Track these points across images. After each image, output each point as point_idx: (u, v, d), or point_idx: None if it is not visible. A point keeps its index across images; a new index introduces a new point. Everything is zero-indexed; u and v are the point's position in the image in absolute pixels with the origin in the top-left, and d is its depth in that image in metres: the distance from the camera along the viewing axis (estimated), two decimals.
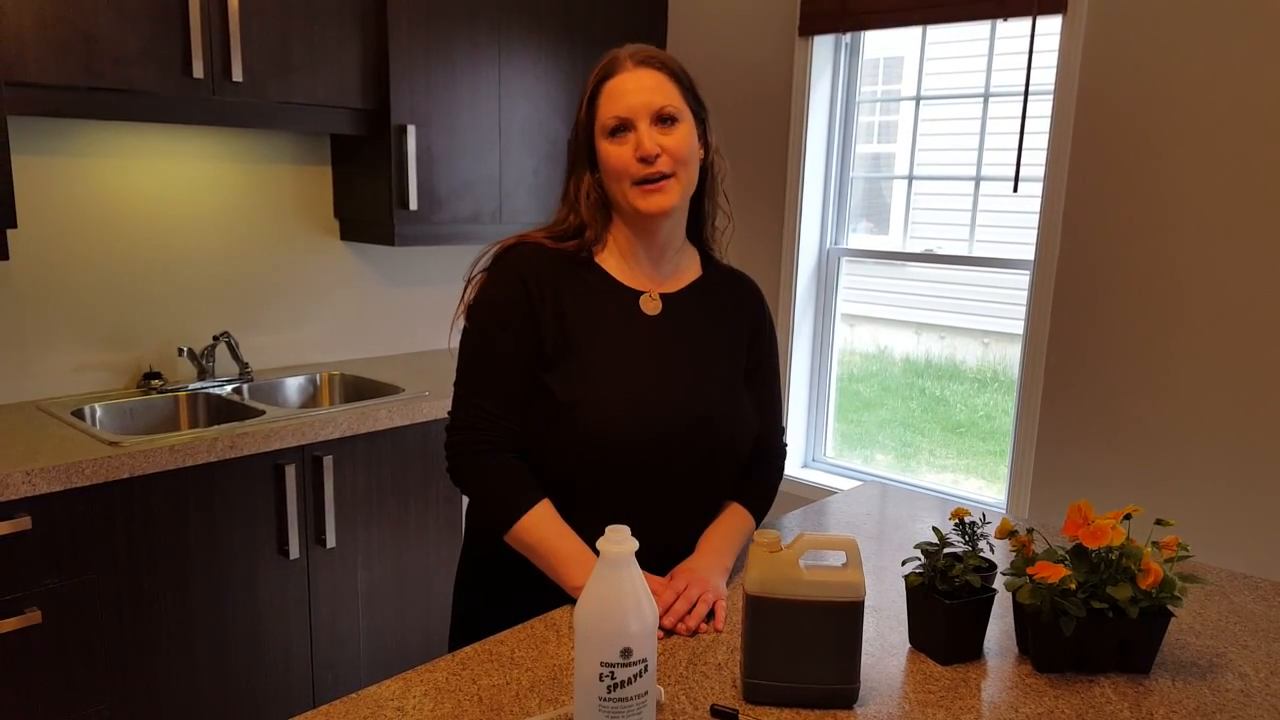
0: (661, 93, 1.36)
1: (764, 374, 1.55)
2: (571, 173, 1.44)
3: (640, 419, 1.36)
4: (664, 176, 1.35)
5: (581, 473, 1.37)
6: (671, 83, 1.38)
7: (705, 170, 1.45)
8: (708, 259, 1.53)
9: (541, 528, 1.36)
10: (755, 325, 1.54)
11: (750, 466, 1.53)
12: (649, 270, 1.45)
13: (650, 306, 1.44)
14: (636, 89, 1.35)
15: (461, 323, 1.44)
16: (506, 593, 1.44)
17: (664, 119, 1.36)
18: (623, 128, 1.36)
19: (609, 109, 1.36)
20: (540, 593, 1.36)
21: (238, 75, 2.37)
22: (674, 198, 1.37)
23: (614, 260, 1.44)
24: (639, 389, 1.38)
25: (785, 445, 1.63)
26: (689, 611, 1.30)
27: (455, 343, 1.45)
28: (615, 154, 1.36)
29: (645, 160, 1.34)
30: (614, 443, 1.35)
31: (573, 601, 1.30)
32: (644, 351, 1.41)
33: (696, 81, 1.43)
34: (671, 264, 1.47)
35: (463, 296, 1.44)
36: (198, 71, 2.30)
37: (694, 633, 1.29)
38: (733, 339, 1.50)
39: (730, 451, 1.45)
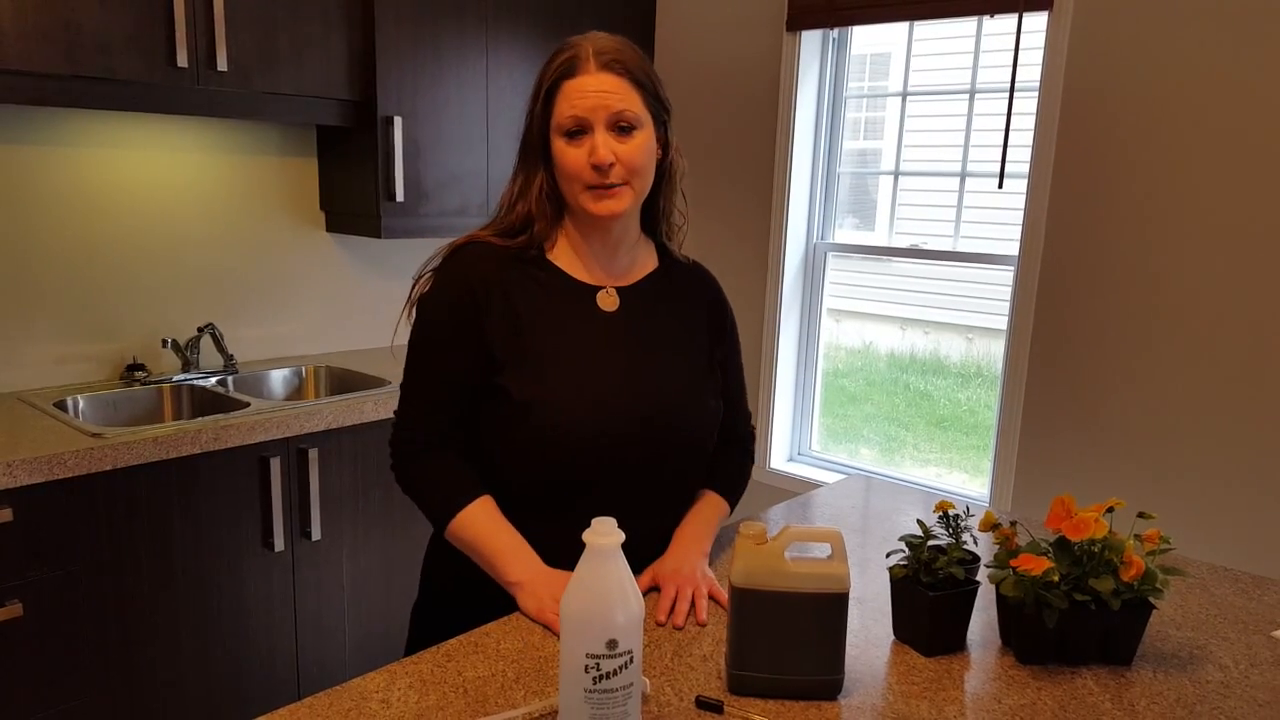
0: (621, 97, 1.32)
1: (731, 365, 1.55)
2: (523, 167, 1.41)
3: (600, 416, 1.34)
4: (616, 185, 1.34)
5: (542, 474, 1.35)
6: (634, 89, 1.34)
7: (664, 169, 1.43)
8: (664, 251, 1.51)
9: (477, 524, 1.35)
10: (719, 317, 1.53)
11: (719, 454, 1.52)
12: (604, 265, 1.43)
13: (607, 302, 1.41)
14: (597, 90, 1.32)
15: (409, 319, 1.43)
16: (467, 592, 1.41)
17: (622, 127, 1.33)
18: (579, 130, 1.33)
19: (566, 108, 1.33)
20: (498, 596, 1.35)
21: (223, 65, 2.35)
22: (625, 204, 1.35)
23: (566, 257, 1.42)
24: (597, 386, 1.36)
25: (753, 429, 1.64)
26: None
27: (401, 339, 1.43)
28: (571, 156, 1.33)
29: (599, 169, 1.31)
30: (573, 441, 1.32)
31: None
32: (602, 347, 1.39)
33: (662, 80, 1.39)
34: (626, 258, 1.45)
35: (410, 296, 1.43)
36: (182, 61, 2.28)
37: (680, 628, 1.30)
38: (693, 330, 1.48)
39: (694, 445, 1.44)
